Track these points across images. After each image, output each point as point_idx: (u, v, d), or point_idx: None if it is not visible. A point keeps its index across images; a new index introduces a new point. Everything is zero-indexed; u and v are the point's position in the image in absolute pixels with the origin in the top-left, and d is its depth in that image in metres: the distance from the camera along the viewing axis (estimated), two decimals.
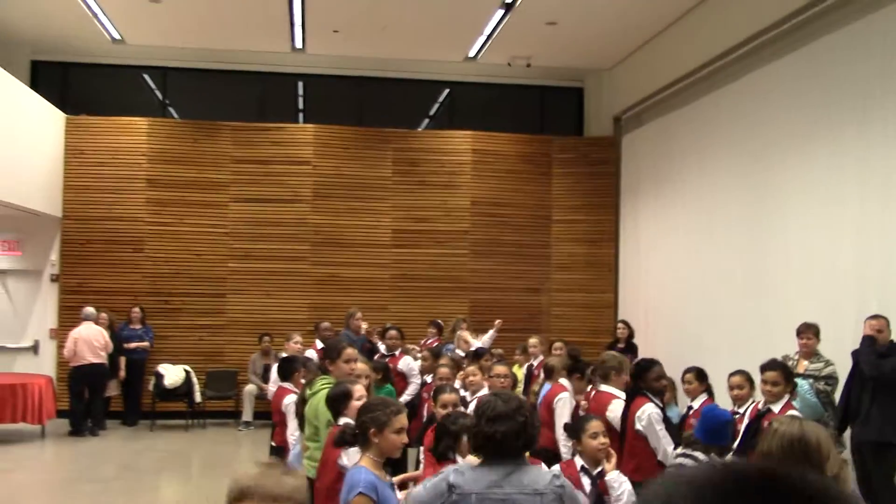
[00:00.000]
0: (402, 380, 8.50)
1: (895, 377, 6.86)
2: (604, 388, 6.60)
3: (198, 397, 12.93)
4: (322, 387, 5.31)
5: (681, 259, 11.94)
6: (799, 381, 7.13)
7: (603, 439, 4.58)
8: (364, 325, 11.01)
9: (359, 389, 4.82)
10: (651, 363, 6.40)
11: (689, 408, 7.04)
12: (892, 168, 7.63)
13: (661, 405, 6.21)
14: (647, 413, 6.04)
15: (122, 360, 12.50)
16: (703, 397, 6.98)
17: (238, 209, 13.76)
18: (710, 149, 11.13)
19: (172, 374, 12.75)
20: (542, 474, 3.39)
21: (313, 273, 13.89)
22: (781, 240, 9.39)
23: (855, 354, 7.19)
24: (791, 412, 6.21)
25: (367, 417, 3.82)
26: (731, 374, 6.65)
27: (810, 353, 7.46)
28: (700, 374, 7.15)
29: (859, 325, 7.26)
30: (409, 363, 8.97)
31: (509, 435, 3.30)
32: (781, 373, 6.07)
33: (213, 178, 13.75)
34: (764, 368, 6.18)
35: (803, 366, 7.37)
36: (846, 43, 8.35)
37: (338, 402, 4.78)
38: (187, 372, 12.87)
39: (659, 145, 12.83)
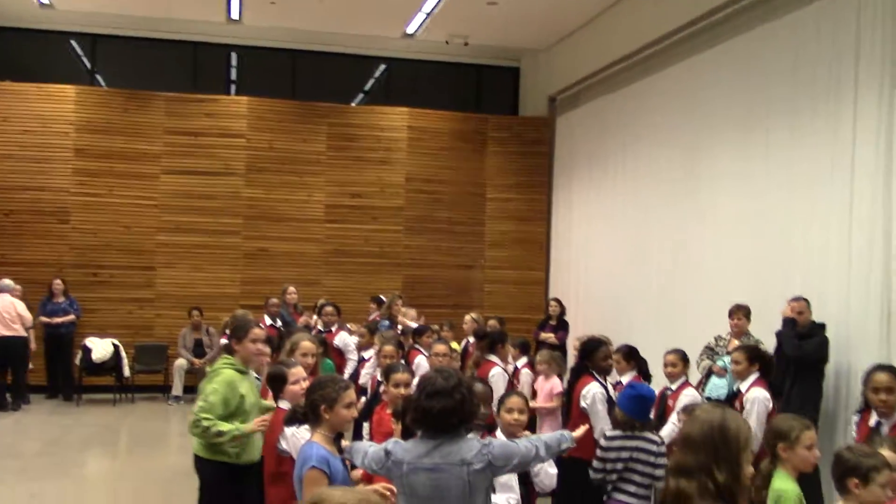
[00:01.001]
0: (339, 356, 8.51)
1: (815, 358, 7.14)
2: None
3: (126, 371, 12.72)
4: (222, 366, 5.14)
5: (611, 239, 12.18)
6: (727, 358, 7.41)
7: (518, 416, 4.69)
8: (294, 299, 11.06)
9: (295, 372, 4.79)
10: (599, 343, 6.60)
11: (619, 382, 7.22)
12: (817, 155, 7.90)
13: (605, 384, 6.38)
14: (592, 392, 6.22)
15: (32, 333, 12.14)
16: (631, 374, 7.15)
17: (169, 181, 13.53)
18: (644, 132, 11.34)
19: (100, 348, 12.51)
20: (472, 445, 3.51)
21: (245, 247, 13.76)
22: (710, 222, 9.65)
23: (778, 335, 7.47)
24: (687, 390, 6.64)
25: (318, 395, 3.87)
26: (667, 353, 6.89)
27: (741, 333, 7.73)
28: (628, 353, 7.33)
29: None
30: (345, 339, 9.00)
31: (445, 411, 3.45)
32: (678, 356, 6.76)
33: (144, 149, 13.47)
34: (666, 354, 6.83)
35: (734, 345, 7.63)
36: (782, 32, 8.57)
37: (274, 383, 4.79)
38: (116, 346, 12.64)
39: (593, 127, 13.02)
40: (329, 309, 9.59)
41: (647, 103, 11.33)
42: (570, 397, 6.20)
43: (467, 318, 10.27)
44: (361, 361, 8.51)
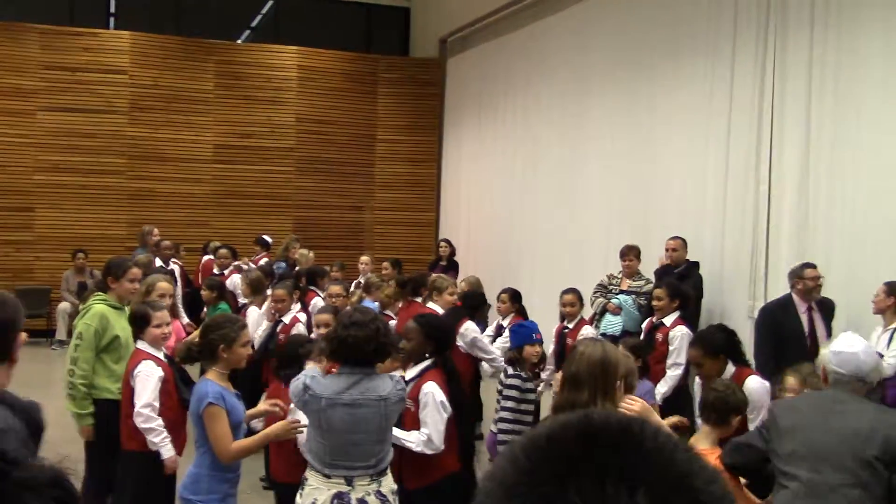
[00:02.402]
0: (233, 298, 8.47)
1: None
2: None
3: None
4: (94, 303, 5.21)
5: (501, 180, 12.43)
6: (622, 297, 7.80)
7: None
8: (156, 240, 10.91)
9: (160, 316, 4.80)
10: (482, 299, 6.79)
11: (500, 326, 7.49)
12: (697, 95, 8.31)
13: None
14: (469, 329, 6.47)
15: None
16: (511, 316, 7.41)
17: (46, 119, 12.98)
18: (534, 74, 11.56)
19: None
20: (387, 382, 3.77)
21: (130, 187, 13.40)
22: (597, 164, 10.00)
23: (657, 274, 7.90)
24: (585, 328, 6.98)
25: (217, 335, 3.98)
26: (563, 292, 7.16)
27: (632, 273, 8.07)
28: (514, 295, 7.59)
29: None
30: (235, 282, 8.96)
31: (361, 339, 3.64)
32: (576, 296, 7.10)
33: (18, 83, 12.86)
34: (563, 293, 7.13)
35: (627, 283, 8.00)
36: None
37: (136, 323, 4.79)
38: None
39: (484, 70, 13.15)
40: (224, 251, 9.51)
41: (536, 47, 11.52)
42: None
43: (363, 258, 10.34)
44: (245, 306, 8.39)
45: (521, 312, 7.54)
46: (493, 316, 8.38)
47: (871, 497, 3.13)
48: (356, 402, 3.64)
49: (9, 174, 12.84)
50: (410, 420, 4.29)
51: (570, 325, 7.05)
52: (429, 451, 4.22)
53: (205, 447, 3.88)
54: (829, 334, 6.09)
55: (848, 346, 3.42)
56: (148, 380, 4.56)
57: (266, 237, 11.86)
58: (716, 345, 4.80)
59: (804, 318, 6.26)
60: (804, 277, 6.25)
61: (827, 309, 6.39)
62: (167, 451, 4.57)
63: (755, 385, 4.69)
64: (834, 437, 3.22)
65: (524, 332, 5.44)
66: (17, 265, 12.88)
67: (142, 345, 4.74)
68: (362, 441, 3.66)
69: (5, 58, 12.82)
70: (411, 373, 4.47)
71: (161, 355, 4.76)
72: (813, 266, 6.31)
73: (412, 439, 4.24)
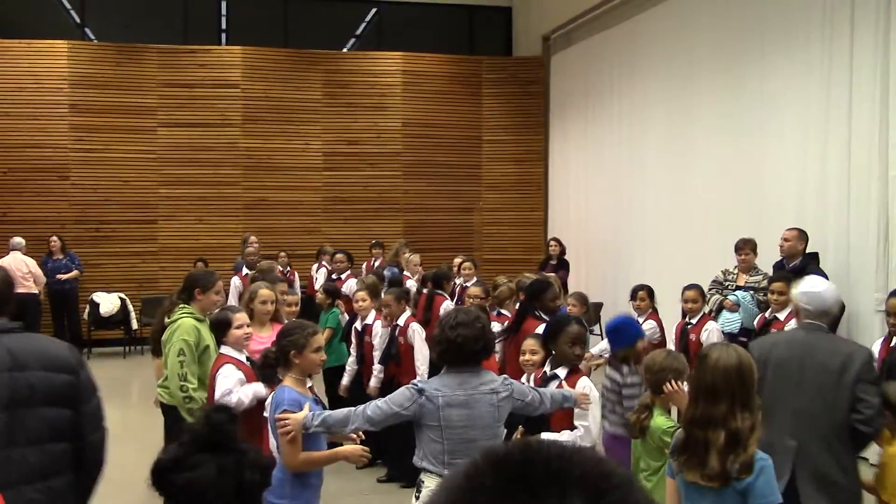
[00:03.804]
0: (349, 303, 8.60)
1: None
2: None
3: (134, 324, 12.91)
4: (181, 316, 5.28)
5: (608, 177, 12.27)
6: (740, 293, 7.58)
7: (530, 356, 4.99)
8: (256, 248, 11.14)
9: (239, 317, 4.91)
10: (547, 285, 6.59)
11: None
12: (813, 87, 7.98)
13: None
14: None
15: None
16: (649, 313, 7.25)
17: (166, 134, 13.54)
18: (638, 68, 11.36)
19: (108, 303, 12.68)
20: (494, 377, 3.89)
21: (245, 197, 13.84)
22: (706, 157, 9.75)
23: (775, 268, 7.63)
24: (709, 324, 6.80)
25: (287, 341, 4.05)
26: (685, 289, 7.03)
27: (749, 268, 7.84)
28: (651, 292, 7.38)
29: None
30: (352, 287, 9.10)
31: (469, 339, 3.73)
32: (699, 292, 6.96)
33: (139, 102, 13.45)
34: (685, 290, 6.99)
35: (743, 279, 7.78)
36: None
37: (218, 328, 4.90)
38: (122, 300, 12.81)
39: (588, 65, 13.01)
40: (340, 256, 9.69)
41: (640, 40, 11.32)
42: (515, 335, 6.21)
43: (466, 264, 10.00)
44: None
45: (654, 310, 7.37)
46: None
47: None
48: (471, 397, 3.73)
49: (133, 188, 13.44)
50: (557, 419, 4.44)
51: (693, 321, 6.92)
52: (588, 444, 4.31)
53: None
54: None
55: (812, 286, 4.10)
56: (226, 380, 4.68)
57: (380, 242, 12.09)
58: None
59: None
60: None
61: None
62: (258, 391, 4.69)
63: None
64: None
65: (632, 330, 5.35)
66: (142, 275, 13.47)
67: (224, 349, 4.86)
68: (478, 437, 3.72)
69: (126, 78, 13.43)
70: (562, 371, 4.62)
71: (243, 358, 4.86)
72: None
73: (565, 438, 4.34)
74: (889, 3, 7.10)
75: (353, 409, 3.88)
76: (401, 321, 6.87)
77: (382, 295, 7.26)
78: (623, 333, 5.38)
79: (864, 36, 7.33)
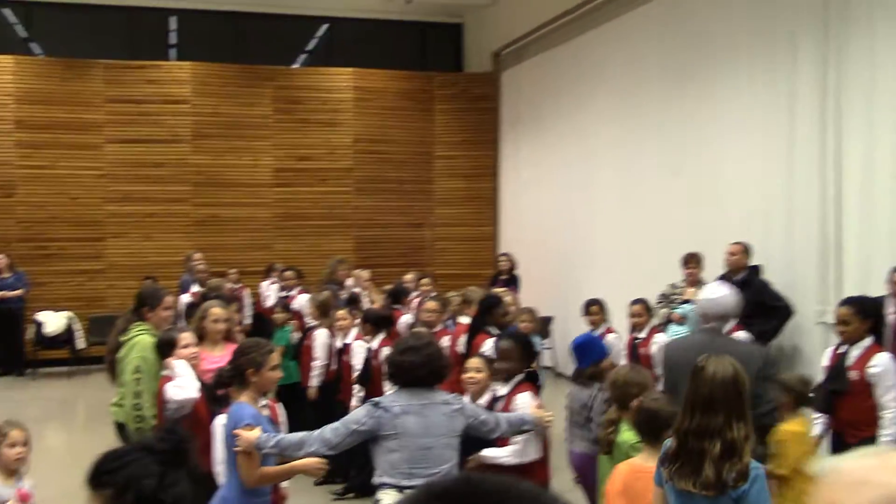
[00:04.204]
0: (300, 318, 8.58)
1: (755, 302, 7.38)
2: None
3: (81, 344, 12.69)
4: (137, 334, 5.25)
5: (559, 192, 12.39)
6: (687, 306, 7.69)
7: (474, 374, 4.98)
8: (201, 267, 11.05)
9: (185, 337, 4.91)
10: (498, 300, 6.69)
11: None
12: (757, 100, 8.18)
13: None
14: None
15: None
16: (604, 326, 7.35)
17: (114, 150, 13.38)
18: (588, 84, 11.52)
19: (53, 322, 12.46)
20: (446, 394, 4.06)
21: (195, 214, 13.72)
22: (652, 173, 9.91)
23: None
24: (657, 336, 6.92)
25: (244, 359, 4.08)
26: (632, 303, 7.17)
27: (695, 281, 7.96)
28: (603, 306, 7.50)
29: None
30: (302, 304, 9.08)
31: (416, 364, 3.91)
32: (643, 306, 7.14)
33: (87, 118, 13.28)
34: (631, 304, 7.17)
35: (690, 292, 7.89)
36: None
37: (164, 348, 4.89)
38: (69, 319, 12.60)
39: (539, 81, 13.15)
40: (290, 273, 9.66)
41: (590, 56, 11.48)
42: (468, 353, 6.23)
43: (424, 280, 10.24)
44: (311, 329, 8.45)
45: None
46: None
47: None
48: (425, 406, 3.89)
49: (80, 206, 13.25)
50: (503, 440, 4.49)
51: (641, 335, 7.01)
52: (525, 460, 4.38)
53: (235, 470, 3.92)
54: None
55: (710, 293, 4.54)
56: (176, 389, 4.67)
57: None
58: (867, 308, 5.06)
59: (891, 318, 6.15)
60: (892, 281, 6.20)
61: None
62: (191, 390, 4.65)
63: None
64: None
65: (598, 348, 5.41)
66: (89, 294, 13.26)
67: (167, 371, 4.83)
68: (433, 444, 3.85)
69: (73, 94, 13.26)
70: (503, 389, 4.65)
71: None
72: None
73: (505, 453, 4.43)
74: (828, 18, 7.31)
75: (309, 432, 3.92)
76: (374, 343, 6.87)
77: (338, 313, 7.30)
78: (590, 352, 5.42)
79: (807, 51, 7.52)
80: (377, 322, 6.99)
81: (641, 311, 7.11)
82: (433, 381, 3.98)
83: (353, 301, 8.28)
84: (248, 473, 3.85)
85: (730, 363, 3.29)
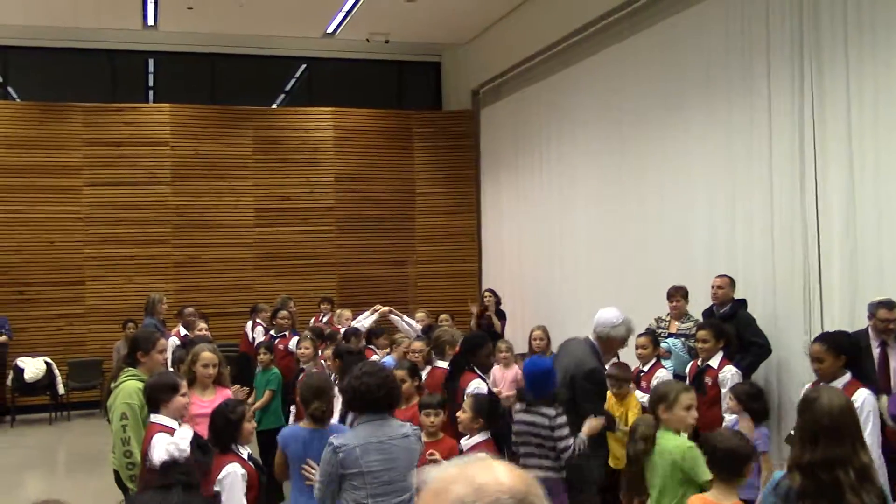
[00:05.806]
0: (293, 360, 8.45)
1: (740, 335, 7.36)
2: (439, 363, 6.83)
3: (61, 389, 12.50)
4: (125, 379, 5.15)
5: (540, 227, 12.41)
6: (671, 340, 7.69)
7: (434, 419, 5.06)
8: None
9: (184, 385, 4.81)
10: (483, 340, 6.62)
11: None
12: (735, 140, 8.24)
13: (486, 380, 6.40)
14: (475, 388, 6.30)
15: None
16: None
17: (93, 193, 13.29)
18: (567, 120, 11.59)
19: (32, 368, 12.27)
20: (402, 424, 4.17)
21: (175, 256, 13.62)
22: (634, 207, 9.94)
23: (705, 315, 7.77)
24: (660, 371, 6.89)
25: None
26: (638, 336, 7.01)
27: (681, 314, 7.98)
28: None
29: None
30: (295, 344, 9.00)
31: (372, 386, 4.03)
32: (649, 338, 7.10)
33: (65, 161, 13.20)
34: (637, 336, 6.90)
35: (675, 326, 7.89)
36: (695, 21, 8.91)
37: (164, 391, 4.69)
38: (48, 364, 12.41)
39: (517, 118, 13.23)
40: (284, 313, 9.59)
41: (567, 92, 11.57)
42: (452, 392, 6.17)
43: (419, 315, 10.36)
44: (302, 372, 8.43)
45: None
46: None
47: None
48: (384, 442, 3.99)
49: (59, 249, 13.12)
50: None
51: (645, 368, 7.00)
52: None
53: None
54: None
55: (599, 313, 5.63)
56: (159, 449, 4.48)
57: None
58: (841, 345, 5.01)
59: (876, 353, 6.11)
60: (875, 317, 6.12)
61: None
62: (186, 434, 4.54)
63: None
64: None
65: (552, 377, 5.32)
66: (69, 339, 13.09)
67: (156, 418, 4.66)
68: (395, 479, 3.96)
69: (51, 137, 13.18)
70: (468, 443, 4.80)
71: (176, 426, 4.68)
72: (888, 307, 6.06)
73: None
74: (802, 54, 7.39)
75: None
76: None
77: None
78: (546, 382, 5.32)
79: (782, 85, 7.59)
80: (343, 356, 6.87)
81: (646, 342, 7.10)
82: (390, 404, 4.11)
83: (330, 338, 8.21)
84: None
85: (836, 392, 3.34)
